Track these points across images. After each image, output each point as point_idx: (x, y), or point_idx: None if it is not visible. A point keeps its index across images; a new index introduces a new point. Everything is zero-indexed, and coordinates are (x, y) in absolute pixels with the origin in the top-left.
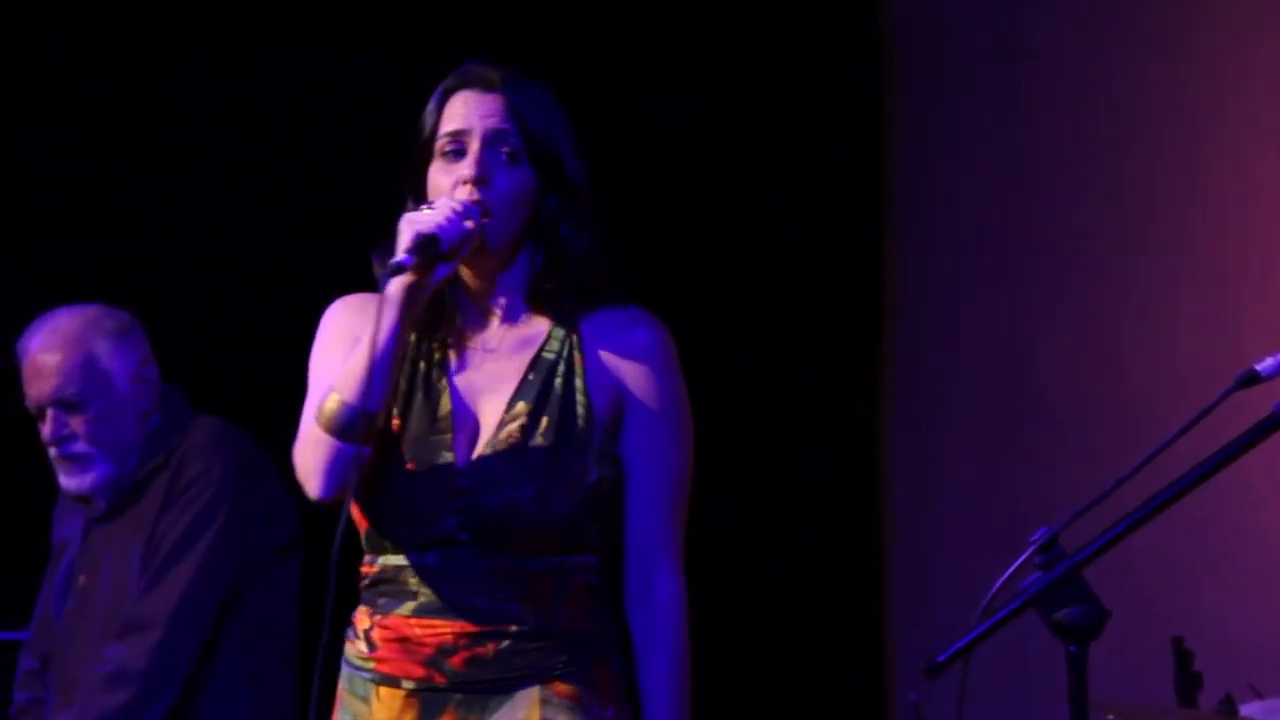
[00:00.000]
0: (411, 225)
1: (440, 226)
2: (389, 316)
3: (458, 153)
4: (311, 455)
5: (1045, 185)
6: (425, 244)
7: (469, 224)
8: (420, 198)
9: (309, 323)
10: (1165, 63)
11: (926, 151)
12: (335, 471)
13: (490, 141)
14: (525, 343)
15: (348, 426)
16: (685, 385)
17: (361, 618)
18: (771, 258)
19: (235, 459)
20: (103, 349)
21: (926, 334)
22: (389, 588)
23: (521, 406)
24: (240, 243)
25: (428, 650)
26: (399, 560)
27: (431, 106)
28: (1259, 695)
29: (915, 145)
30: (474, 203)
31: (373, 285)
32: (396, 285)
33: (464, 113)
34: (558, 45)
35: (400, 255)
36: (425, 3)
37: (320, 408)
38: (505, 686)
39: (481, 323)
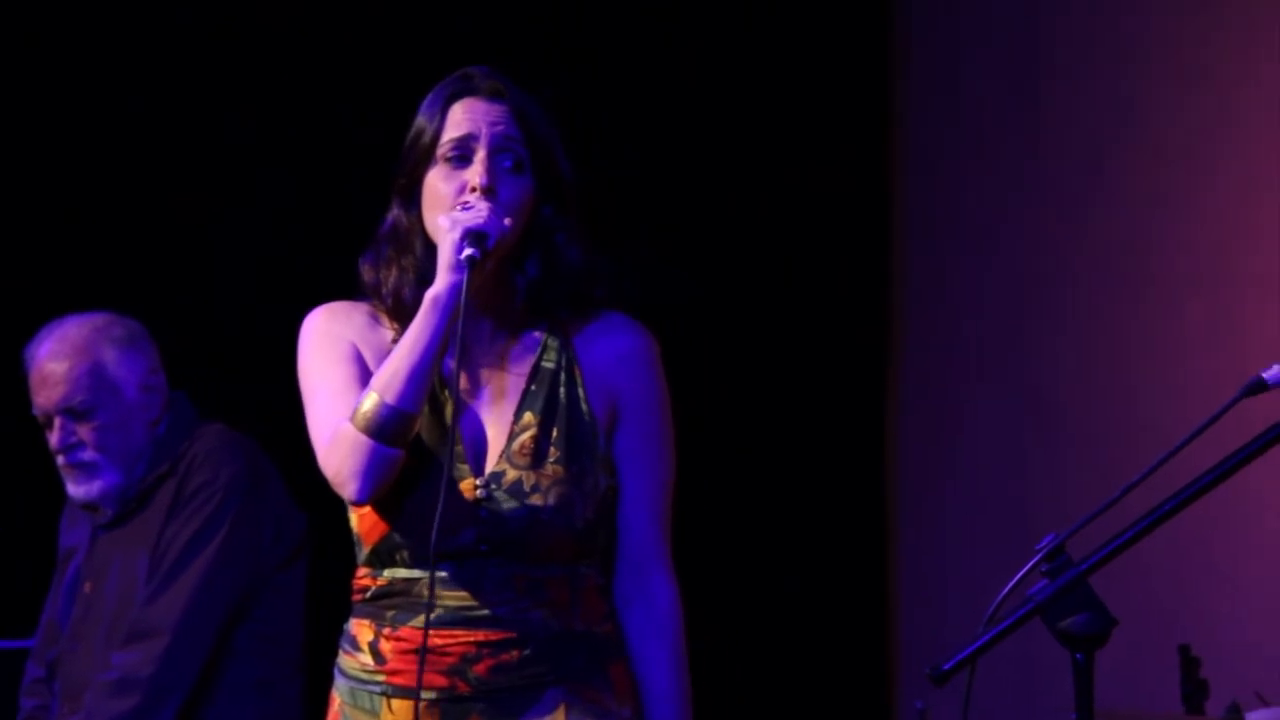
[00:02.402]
0: (458, 224)
1: (489, 223)
2: (434, 317)
3: (462, 159)
4: (349, 458)
5: (1055, 190)
6: (479, 239)
7: (507, 222)
8: (414, 203)
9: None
10: (1171, 69)
11: (935, 154)
12: (374, 473)
13: (496, 149)
14: (522, 352)
15: (386, 428)
16: (669, 389)
17: (362, 630)
18: (774, 260)
19: (242, 466)
20: (110, 357)
21: (935, 339)
22: (400, 600)
23: (529, 417)
24: (237, 243)
25: (450, 660)
26: (410, 573)
27: (431, 111)
28: (1265, 702)
29: (924, 149)
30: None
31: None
32: (443, 286)
33: (470, 119)
34: (557, 48)
35: (467, 250)
36: (423, 4)
37: (357, 409)
38: (530, 692)
39: (477, 332)
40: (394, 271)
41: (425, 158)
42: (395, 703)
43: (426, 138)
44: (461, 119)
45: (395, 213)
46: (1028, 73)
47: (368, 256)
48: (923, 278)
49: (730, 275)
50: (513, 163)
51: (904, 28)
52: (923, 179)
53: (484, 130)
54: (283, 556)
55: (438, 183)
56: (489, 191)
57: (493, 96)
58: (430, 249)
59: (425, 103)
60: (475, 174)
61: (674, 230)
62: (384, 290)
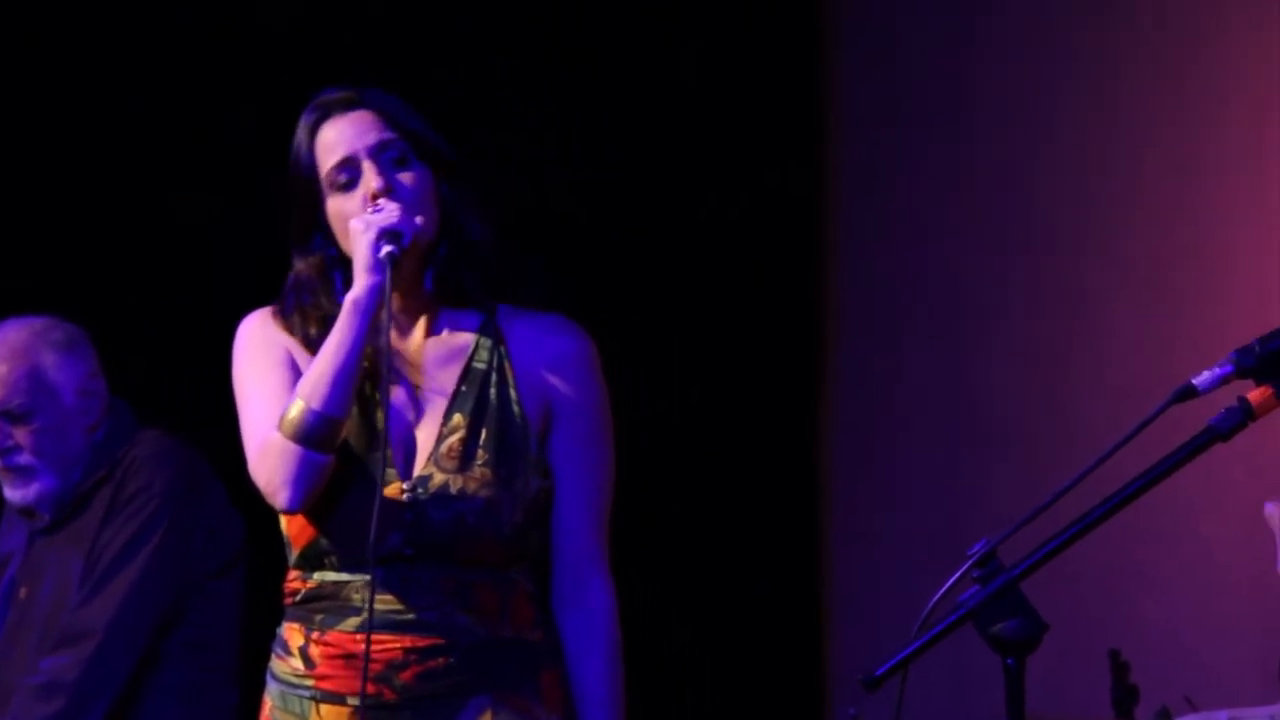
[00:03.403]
0: (371, 225)
1: (402, 221)
2: (355, 321)
3: (351, 181)
4: (279, 465)
5: (988, 198)
6: (395, 238)
7: (419, 220)
8: (312, 248)
9: None
10: (1107, 79)
11: (870, 162)
12: (304, 481)
13: (378, 154)
14: (453, 353)
15: (314, 434)
16: (608, 392)
17: (293, 634)
18: (708, 265)
19: (180, 473)
20: (50, 361)
21: (868, 344)
22: (328, 604)
23: (459, 419)
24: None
25: (376, 666)
26: (339, 576)
27: (303, 147)
28: (1194, 707)
29: (859, 153)
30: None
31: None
32: (362, 288)
33: (340, 140)
34: (493, 51)
35: (385, 248)
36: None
37: (284, 416)
38: (456, 699)
39: (405, 333)
40: (297, 318)
41: (314, 197)
42: (324, 708)
43: (305, 177)
44: (333, 143)
45: (297, 266)
46: (961, 80)
47: (290, 292)
48: (855, 288)
49: (658, 289)
50: (397, 159)
51: (835, 38)
52: (856, 195)
53: (358, 145)
54: (217, 564)
55: (341, 207)
56: (389, 192)
57: (349, 107)
58: (344, 280)
59: (293, 145)
60: (369, 182)
61: (610, 235)
62: (295, 334)
